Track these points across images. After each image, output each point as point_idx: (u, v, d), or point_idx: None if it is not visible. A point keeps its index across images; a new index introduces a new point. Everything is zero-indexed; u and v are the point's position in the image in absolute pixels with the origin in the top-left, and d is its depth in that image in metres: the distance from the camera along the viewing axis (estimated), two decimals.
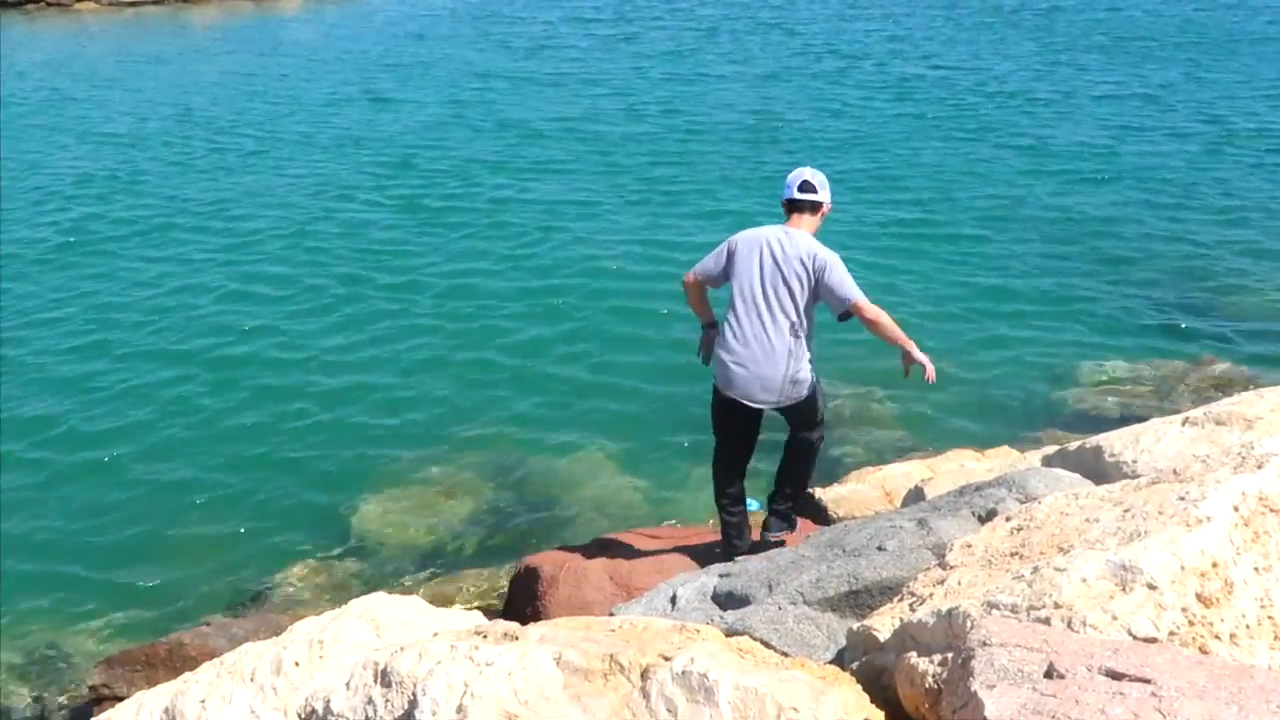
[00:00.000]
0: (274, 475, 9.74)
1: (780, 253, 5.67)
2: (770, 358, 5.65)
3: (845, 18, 34.75)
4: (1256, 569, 3.01)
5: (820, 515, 7.42)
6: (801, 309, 5.67)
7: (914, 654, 3.14)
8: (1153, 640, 2.65)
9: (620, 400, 10.77)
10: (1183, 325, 12.15)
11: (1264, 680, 2.20)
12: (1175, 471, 3.64)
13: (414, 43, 31.77)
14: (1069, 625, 2.73)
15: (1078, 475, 5.20)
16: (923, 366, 5.72)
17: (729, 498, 6.32)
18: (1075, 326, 12.20)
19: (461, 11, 38.21)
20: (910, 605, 3.50)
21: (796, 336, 5.67)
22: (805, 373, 5.74)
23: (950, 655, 2.87)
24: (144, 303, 13.24)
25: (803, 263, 5.63)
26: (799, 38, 30.94)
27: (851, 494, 7.68)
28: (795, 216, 5.85)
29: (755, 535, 6.57)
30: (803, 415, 5.97)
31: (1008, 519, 3.80)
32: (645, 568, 6.14)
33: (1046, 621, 2.77)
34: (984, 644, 2.46)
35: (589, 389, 11.02)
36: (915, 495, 6.76)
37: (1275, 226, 15.08)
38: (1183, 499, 3.16)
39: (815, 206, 5.84)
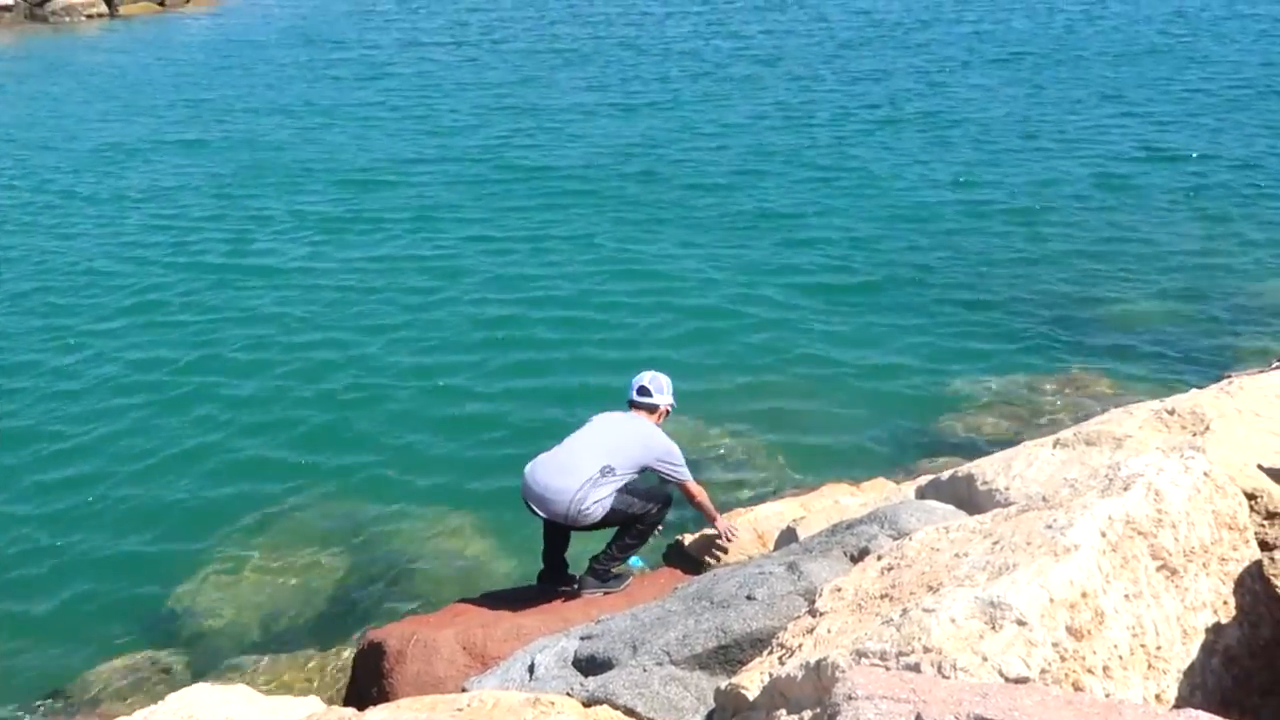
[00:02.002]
0: (84, 557, 9.31)
1: (621, 424, 6.90)
2: (568, 477, 6.53)
3: (706, 35, 35.04)
4: (1127, 596, 3.12)
5: (690, 563, 7.46)
6: (625, 464, 6.65)
7: (783, 711, 3.16)
8: (1024, 680, 2.72)
9: (467, 460, 10.65)
10: (1056, 343, 12.68)
11: (1132, 715, 2.27)
12: (1045, 498, 3.76)
13: (227, 74, 30.36)
14: (939, 670, 2.78)
15: (951, 506, 5.35)
16: (720, 533, 7.28)
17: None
18: (948, 350, 12.61)
19: (282, 36, 36.98)
20: (780, 658, 3.53)
21: (605, 475, 6.56)
22: (598, 511, 6.55)
23: (818, 711, 2.89)
24: None
25: (642, 443, 6.78)
26: (663, 61, 30.52)
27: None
28: (635, 412, 7.05)
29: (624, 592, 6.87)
30: (610, 527, 6.83)
31: (879, 558, 3.87)
32: (501, 634, 6.06)
33: (916, 667, 2.82)
34: (850, 698, 2.48)
35: (431, 449, 10.87)
36: (788, 536, 6.86)
37: (1143, 240, 15.89)
38: (1050, 527, 3.26)
39: (652, 409, 7.06)
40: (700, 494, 7.10)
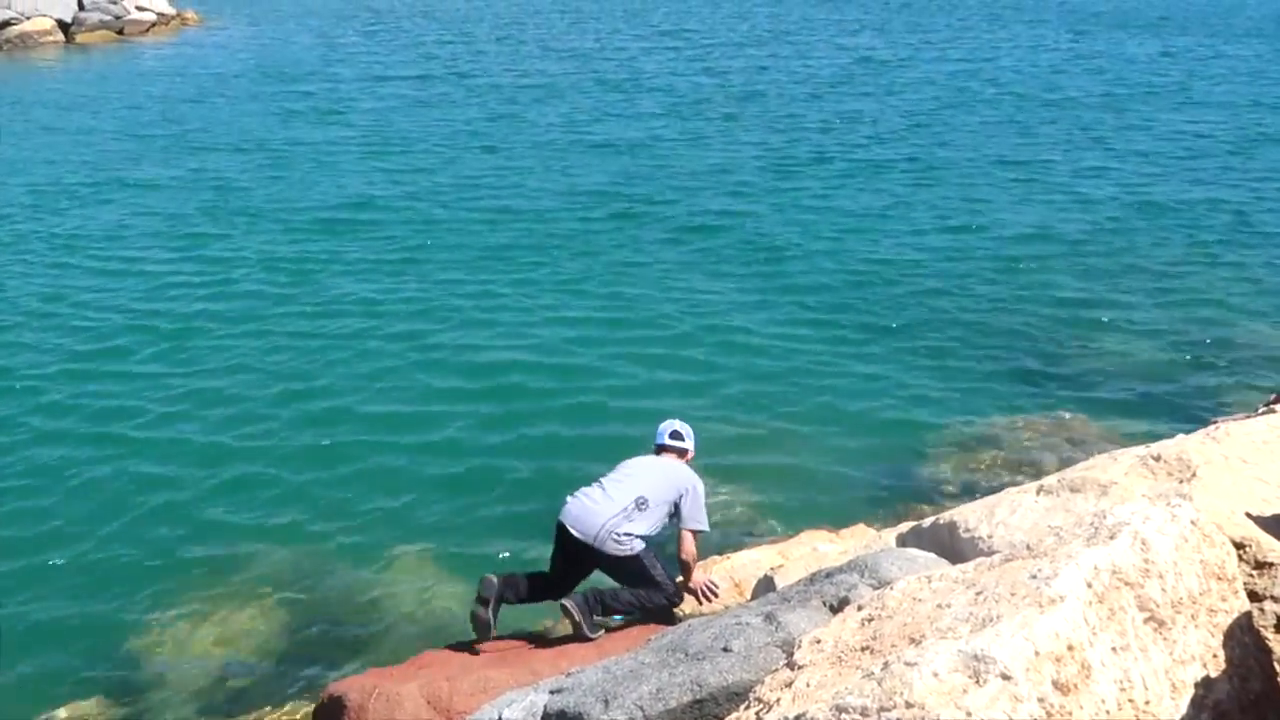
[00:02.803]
0: (27, 611, 9.15)
1: (651, 461, 7.46)
2: (607, 503, 7.03)
3: (684, 71, 34.96)
4: (1114, 649, 3.13)
5: (664, 614, 7.44)
6: (656, 495, 7.13)
7: None
8: None
9: (431, 505, 10.58)
10: (1039, 387, 12.76)
11: None
12: (1029, 547, 3.77)
13: (185, 108, 29.90)
14: None
15: (933, 555, 5.36)
16: (696, 590, 7.35)
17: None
18: (931, 390, 12.68)
19: (243, 68, 36.66)
20: (757, 713, 3.52)
21: (640, 508, 7.04)
22: (632, 541, 6.99)
23: None
24: None
25: (673, 472, 7.32)
26: (640, 98, 30.51)
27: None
28: (665, 455, 7.55)
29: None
30: (627, 576, 7.09)
31: (859, 608, 3.87)
32: (467, 688, 6.02)
33: None
34: None
35: (396, 494, 10.79)
36: (765, 585, 6.86)
37: (1128, 285, 16.04)
38: (1034, 577, 3.27)
39: (682, 452, 7.59)
40: (692, 551, 7.34)
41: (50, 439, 12.00)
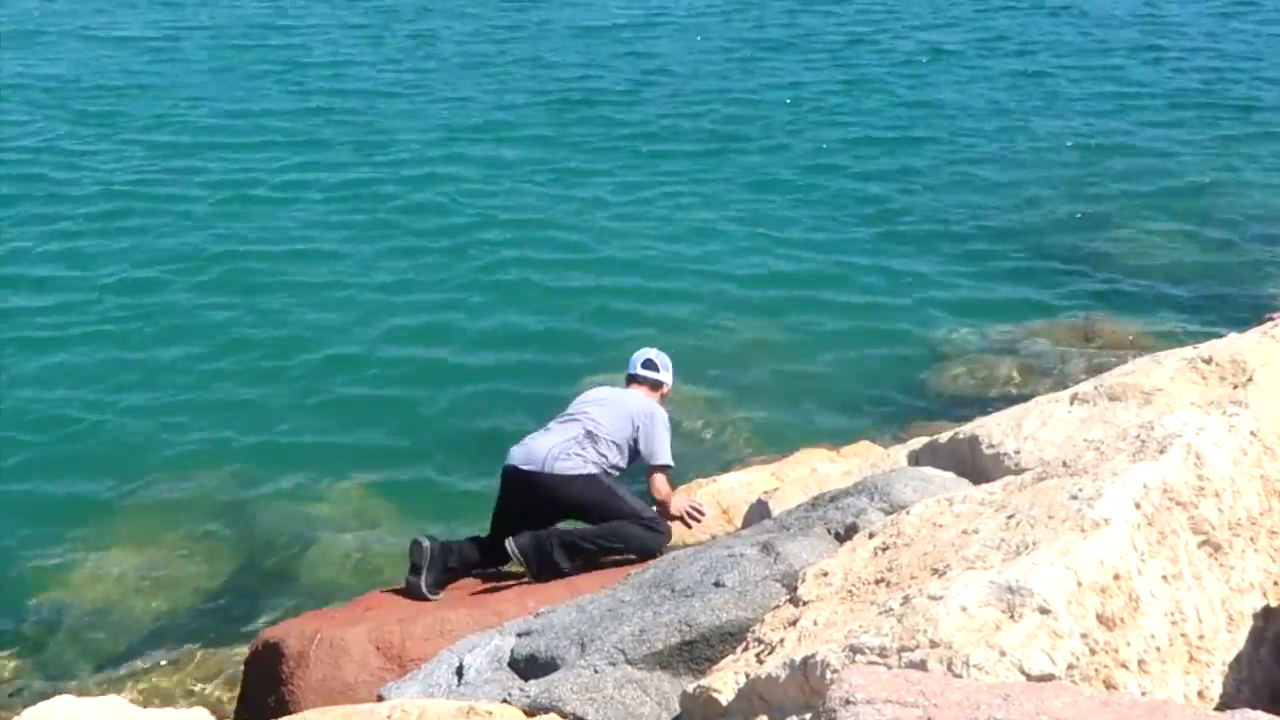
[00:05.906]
0: None
1: (608, 392, 7.46)
2: (548, 436, 7.02)
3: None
4: (1165, 577, 3.14)
5: (643, 552, 7.45)
6: (608, 434, 7.02)
7: (764, 718, 3.15)
8: (1049, 677, 2.72)
9: (379, 429, 10.62)
10: (1072, 283, 12.76)
11: (1179, 717, 2.27)
12: (1065, 463, 3.77)
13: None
14: (950, 667, 2.78)
15: (952, 474, 5.37)
16: (679, 517, 7.20)
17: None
18: (947, 291, 12.66)
19: None
20: (757, 655, 3.53)
21: (590, 438, 6.98)
22: (578, 465, 6.90)
23: (808, 718, 2.88)
24: None
25: (626, 402, 7.24)
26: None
27: None
28: (635, 387, 7.44)
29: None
30: (591, 509, 6.90)
31: (871, 536, 3.88)
32: (422, 631, 6.02)
33: (923, 665, 2.81)
34: (848, 702, 2.47)
35: (338, 417, 10.82)
36: (759, 511, 6.88)
37: (1174, 175, 15.88)
38: (1075, 498, 3.26)
39: (655, 385, 7.47)
40: (664, 490, 7.17)
41: None
